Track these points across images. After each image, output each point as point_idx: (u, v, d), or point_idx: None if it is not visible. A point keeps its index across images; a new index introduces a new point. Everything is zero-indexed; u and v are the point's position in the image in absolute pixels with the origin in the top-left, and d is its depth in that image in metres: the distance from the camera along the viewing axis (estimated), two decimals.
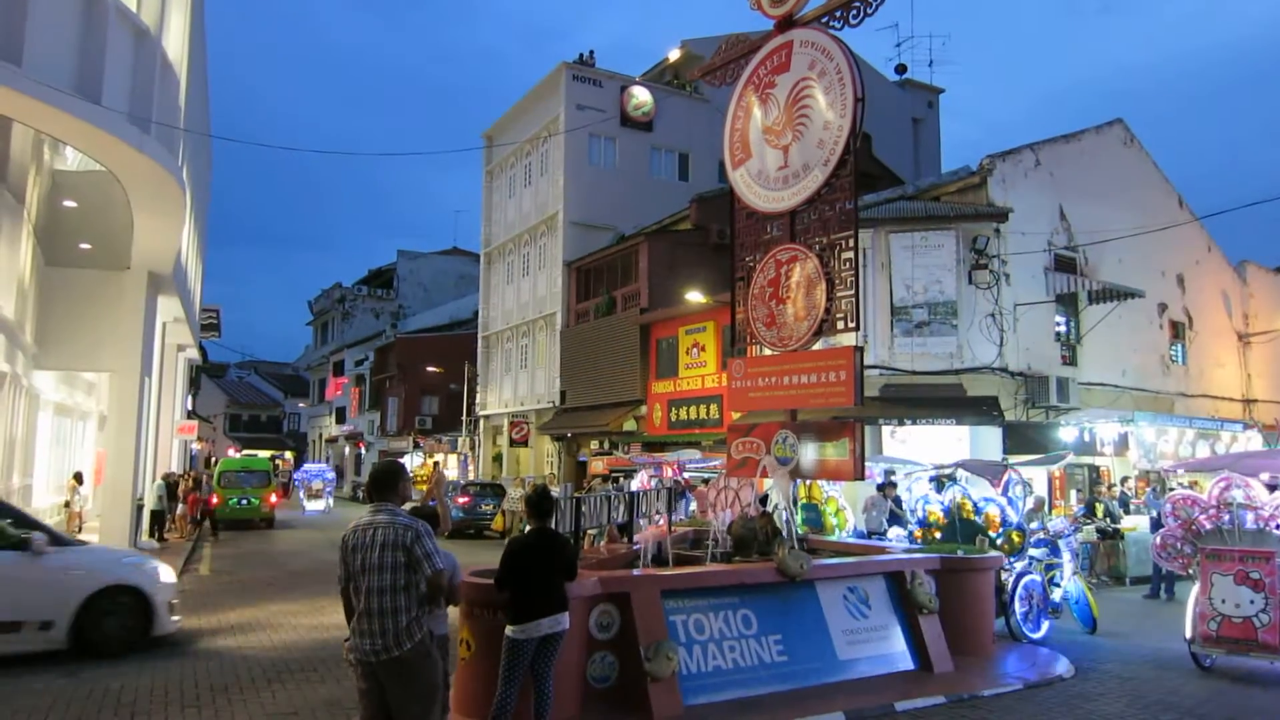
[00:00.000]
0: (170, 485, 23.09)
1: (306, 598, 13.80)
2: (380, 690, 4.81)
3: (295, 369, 79.76)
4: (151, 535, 21.03)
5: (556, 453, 31.21)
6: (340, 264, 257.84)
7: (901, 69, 37.00)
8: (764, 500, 11.31)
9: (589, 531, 10.21)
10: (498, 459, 36.03)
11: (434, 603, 5.01)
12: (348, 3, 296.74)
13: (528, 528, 6.40)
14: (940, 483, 13.42)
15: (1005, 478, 11.92)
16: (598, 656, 7.41)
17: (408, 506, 5.24)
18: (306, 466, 41.72)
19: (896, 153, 33.55)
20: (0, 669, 8.70)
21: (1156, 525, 14.19)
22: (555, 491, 21.84)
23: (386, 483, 5.06)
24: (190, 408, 41.52)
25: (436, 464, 37.03)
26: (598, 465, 26.13)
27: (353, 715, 7.22)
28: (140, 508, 20.05)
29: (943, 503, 12.10)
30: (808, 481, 13.20)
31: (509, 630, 5.99)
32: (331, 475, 38.84)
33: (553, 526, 6.56)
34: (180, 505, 24.02)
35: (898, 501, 14.62)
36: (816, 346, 9.53)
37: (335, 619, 12.02)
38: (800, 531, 10.96)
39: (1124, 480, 18.90)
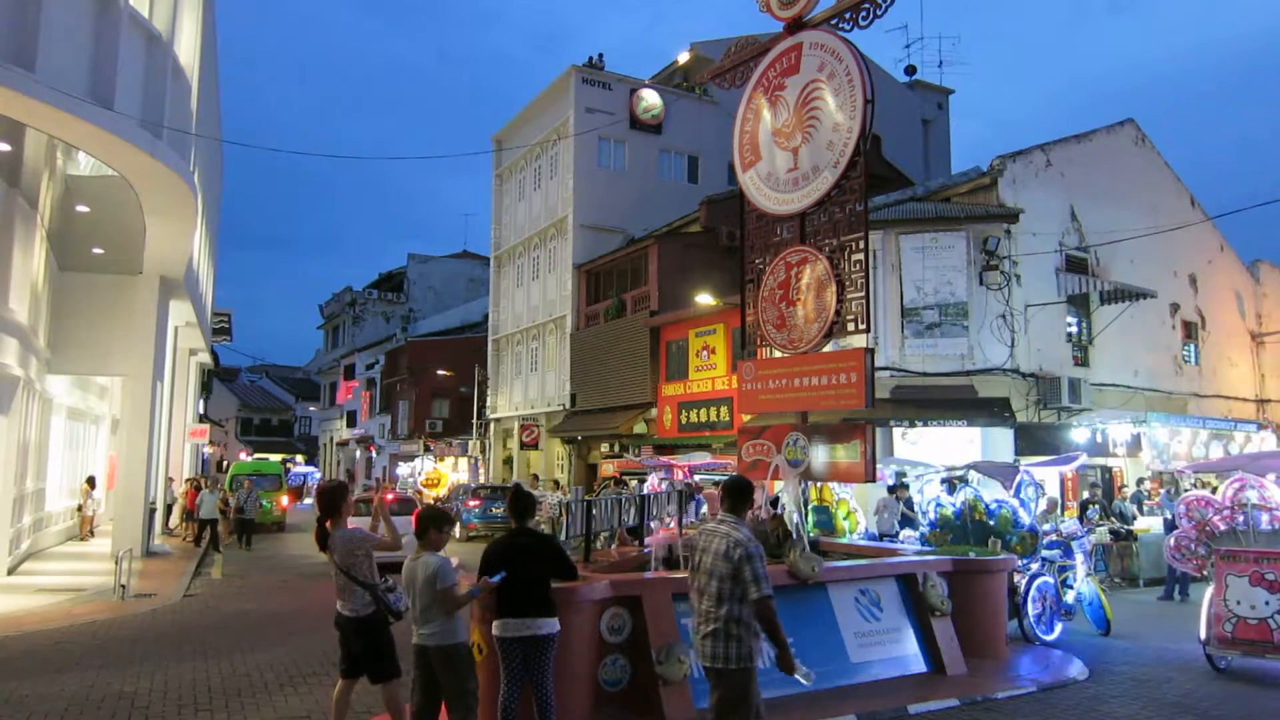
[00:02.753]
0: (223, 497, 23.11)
1: (319, 600, 13.84)
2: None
3: (306, 373, 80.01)
4: (198, 543, 21.01)
5: (567, 455, 31.21)
6: (351, 267, 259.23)
7: (911, 70, 36.93)
8: (775, 503, 11.29)
9: (602, 534, 10.20)
10: (508, 462, 36.07)
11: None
12: (359, 8, 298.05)
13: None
14: (952, 484, 13.37)
15: (1017, 479, 11.87)
16: (609, 659, 7.40)
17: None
18: (294, 470, 41.94)
19: (906, 154, 33.46)
20: (14, 673, 8.76)
21: (1171, 527, 14.12)
22: (557, 496, 21.78)
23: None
24: (202, 411, 41.71)
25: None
26: (608, 468, 26.13)
27: (364, 718, 7.24)
28: (153, 511, 20.14)
29: (955, 504, 12.06)
30: (819, 484, 13.18)
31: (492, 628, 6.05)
32: (318, 476, 39.13)
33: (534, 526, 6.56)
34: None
35: (909, 503, 14.58)
36: (827, 348, 9.51)
37: None
38: (811, 534, 10.93)
39: (1139, 481, 18.80)
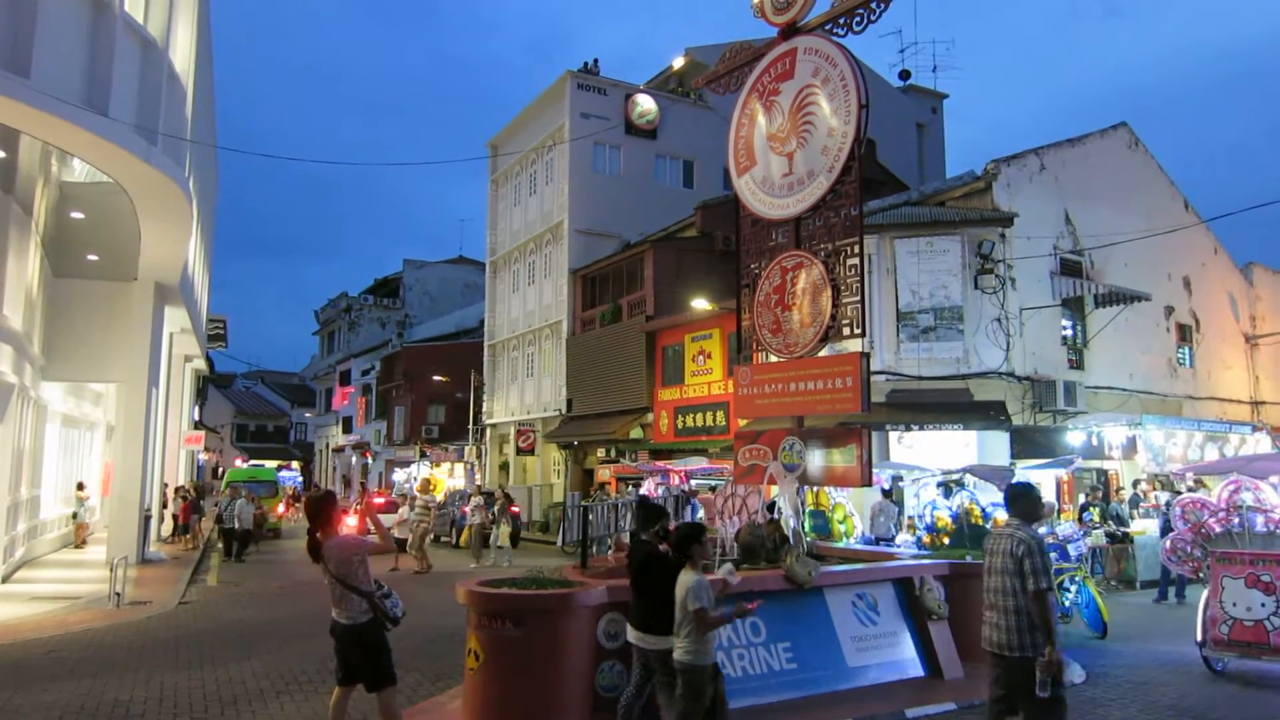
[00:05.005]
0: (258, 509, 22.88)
1: (314, 607, 13.80)
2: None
3: (302, 379, 79.93)
4: (229, 555, 20.84)
5: (563, 461, 31.20)
6: (347, 273, 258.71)
7: (905, 75, 37.05)
8: (771, 507, 11.29)
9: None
10: (504, 467, 36.04)
11: None
12: (354, 13, 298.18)
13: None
14: (948, 488, 13.40)
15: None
16: (606, 665, 7.39)
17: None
18: (283, 473, 41.89)
19: (901, 158, 33.54)
20: (11, 680, 8.72)
21: (1166, 529, 14.14)
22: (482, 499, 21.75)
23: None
24: (197, 418, 41.65)
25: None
26: (605, 473, 26.11)
27: None
28: (148, 518, 20.05)
29: (951, 508, 12.07)
30: (815, 488, 13.18)
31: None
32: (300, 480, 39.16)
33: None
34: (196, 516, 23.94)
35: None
36: (823, 353, 9.51)
37: None
38: (808, 538, 10.93)
39: (1135, 483, 18.82)
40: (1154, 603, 14.44)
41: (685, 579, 5.81)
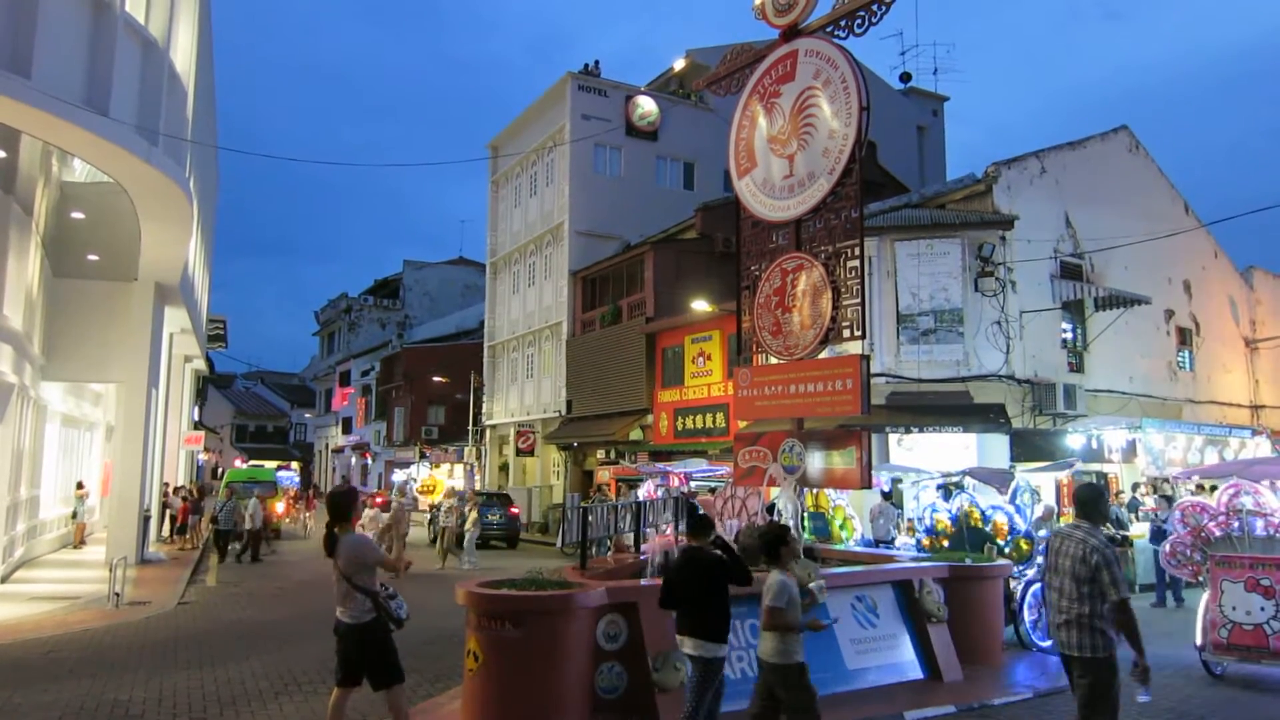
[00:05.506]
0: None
1: (313, 607, 13.81)
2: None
3: (302, 379, 79.95)
4: (224, 559, 20.46)
5: (563, 462, 31.20)
6: (347, 274, 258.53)
7: (906, 77, 37.07)
8: (771, 509, 11.29)
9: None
10: (504, 469, 36.04)
11: None
12: (355, 14, 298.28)
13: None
14: (948, 491, 13.37)
15: (1013, 486, 11.87)
16: (605, 667, 7.39)
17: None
18: (280, 474, 41.74)
19: (901, 161, 33.55)
20: (7, 682, 8.72)
21: (1158, 535, 14.13)
22: (450, 502, 21.50)
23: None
24: (197, 418, 41.63)
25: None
26: (604, 475, 26.11)
27: None
28: (147, 518, 20.01)
29: (950, 511, 12.05)
30: (815, 490, 13.18)
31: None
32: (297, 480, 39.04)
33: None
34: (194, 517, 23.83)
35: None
36: (823, 355, 9.52)
37: None
38: (808, 540, 10.93)
39: (1134, 487, 18.81)
40: (1151, 606, 14.44)
41: (771, 579, 5.97)
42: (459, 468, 41.47)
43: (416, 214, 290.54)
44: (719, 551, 6.36)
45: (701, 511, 6.90)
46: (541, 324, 33.19)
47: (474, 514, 20.59)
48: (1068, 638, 5.56)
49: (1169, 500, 15.18)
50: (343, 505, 6.37)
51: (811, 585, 6.54)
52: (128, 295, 18.31)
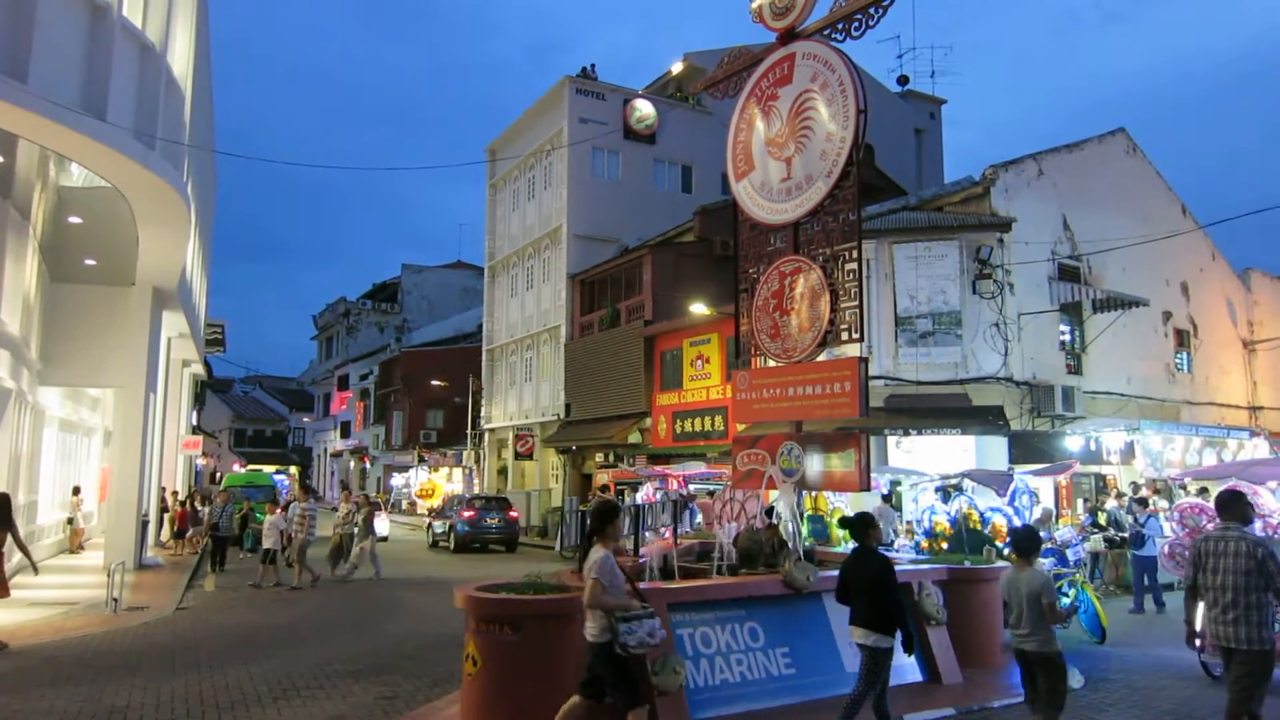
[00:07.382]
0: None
1: (311, 613, 13.77)
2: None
3: (300, 383, 79.85)
4: (218, 564, 19.97)
5: (562, 465, 31.19)
6: (345, 278, 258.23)
7: (904, 80, 37.10)
8: (769, 512, 11.28)
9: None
10: (503, 472, 36.02)
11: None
12: (353, 18, 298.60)
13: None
14: (946, 493, 13.38)
15: (1011, 487, 11.87)
16: None
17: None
18: (275, 478, 41.73)
19: (899, 163, 33.59)
20: (5, 688, 8.70)
21: (1137, 540, 14.03)
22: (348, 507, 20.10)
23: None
24: (195, 423, 41.57)
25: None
26: (603, 478, 26.09)
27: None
28: (145, 524, 19.95)
29: (949, 513, 12.06)
30: (813, 493, 13.17)
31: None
32: (288, 484, 38.93)
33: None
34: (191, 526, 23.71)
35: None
36: (821, 358, 9.51)
37: (341, 635, 12.00)
38: (806, 543, 10.92)
39: (1134, 488, 18.79)
40: (1129, 613, 13.82)
41: (1033, 578, 6.27)
42: (458, 471, 41.46)
43: (415, 218, 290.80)
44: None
45: (866, 513, 7.18)
46: (540, 327, 33.19)
47: (366, 520, 18.83)
48: (1235, 633, 5.85)
49: (1144, 504, 15.14)
50: (606, 518, 6.37)
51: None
52: (125, 300, 18.28)
